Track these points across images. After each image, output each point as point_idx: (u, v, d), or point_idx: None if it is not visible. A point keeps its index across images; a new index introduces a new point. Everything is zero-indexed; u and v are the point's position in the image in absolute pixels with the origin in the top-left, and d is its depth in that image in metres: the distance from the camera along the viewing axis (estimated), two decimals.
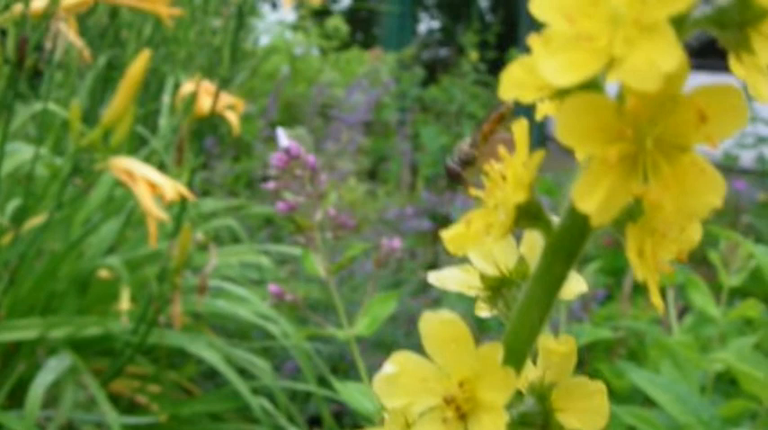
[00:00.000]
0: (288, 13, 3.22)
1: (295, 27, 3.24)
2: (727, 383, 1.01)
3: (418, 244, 1.81)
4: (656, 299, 0.24)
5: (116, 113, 1.14)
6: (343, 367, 1.42)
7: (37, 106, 1.33)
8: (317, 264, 0.88)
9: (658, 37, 0.20)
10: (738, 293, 1.07)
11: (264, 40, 3.00)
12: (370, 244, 0.92)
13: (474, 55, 3.26)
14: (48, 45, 1.19)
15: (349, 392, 0.80)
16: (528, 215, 0.25)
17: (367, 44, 4.48)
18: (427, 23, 6.65)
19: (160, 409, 1.24)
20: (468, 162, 0.29)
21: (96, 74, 1.49)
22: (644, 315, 1.20)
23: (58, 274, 1.26)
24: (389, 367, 0.26)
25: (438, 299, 1.53)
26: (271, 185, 0.87)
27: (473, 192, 0.26)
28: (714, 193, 0.22)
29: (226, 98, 1.44)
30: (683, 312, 1.13)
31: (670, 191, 0.21)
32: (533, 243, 0.29)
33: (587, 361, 1.22)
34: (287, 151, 0.86)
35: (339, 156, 1.92)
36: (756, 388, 0.81)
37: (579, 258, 0.25)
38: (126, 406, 1.24)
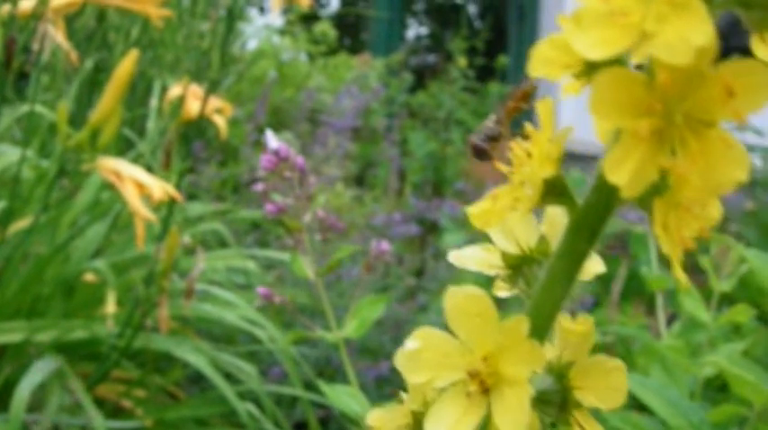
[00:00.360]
0: (275, 18, 3.21)
1: (283, 32, 3.24)
2: (715, 390, 1.02)
3: (405, 250, 1.82)
4: (678, 273, 0.24)
5: (103, 114, 1.14)
6: (329, 372, 1.41)
7: (23, 109, 1.32)
8: (306, 267, 0.88)
9: (690, 13, 0.21)
10: (728, 299, 1.08)
11: (252, 45, 3.00)
12: (358, 248, 0.93)
13: (462, 61, 3.27)
14: (35, 47, 1.18)
15: (336, 395, 0.80)
16: (554, 191, 0.26)
17: (355, 49, 4.49)
18: (415, 29, 6.68)
19: (145, 414, 1.24)
20: (493, 138, 0.30)
21: (83, 77, 1.49)
22: (631, 321, 1.21)
23: (44, 277, 1.25)
24: (412, 343, 0.27)
25: (425, 305, 1.53)
26: (259, 187, 0.87)
27: (499, 167, 0.27)
28: (740, 168, 0.22)
29: (213, 102, 1.44)
30: (671, 319, 1.14)
31: (697, 165, 0.22)
32: (554, 221, 0.29)
33: None
34: (276, 153, 0.86)
35: (326, 162, 1.92)
36: (747, 391, 0.82)
37: (601, 236, 0.25)
38: (111, 410, 1.23)
